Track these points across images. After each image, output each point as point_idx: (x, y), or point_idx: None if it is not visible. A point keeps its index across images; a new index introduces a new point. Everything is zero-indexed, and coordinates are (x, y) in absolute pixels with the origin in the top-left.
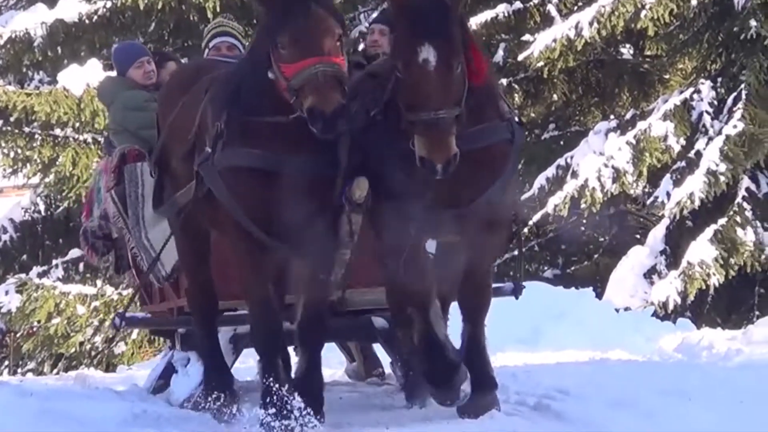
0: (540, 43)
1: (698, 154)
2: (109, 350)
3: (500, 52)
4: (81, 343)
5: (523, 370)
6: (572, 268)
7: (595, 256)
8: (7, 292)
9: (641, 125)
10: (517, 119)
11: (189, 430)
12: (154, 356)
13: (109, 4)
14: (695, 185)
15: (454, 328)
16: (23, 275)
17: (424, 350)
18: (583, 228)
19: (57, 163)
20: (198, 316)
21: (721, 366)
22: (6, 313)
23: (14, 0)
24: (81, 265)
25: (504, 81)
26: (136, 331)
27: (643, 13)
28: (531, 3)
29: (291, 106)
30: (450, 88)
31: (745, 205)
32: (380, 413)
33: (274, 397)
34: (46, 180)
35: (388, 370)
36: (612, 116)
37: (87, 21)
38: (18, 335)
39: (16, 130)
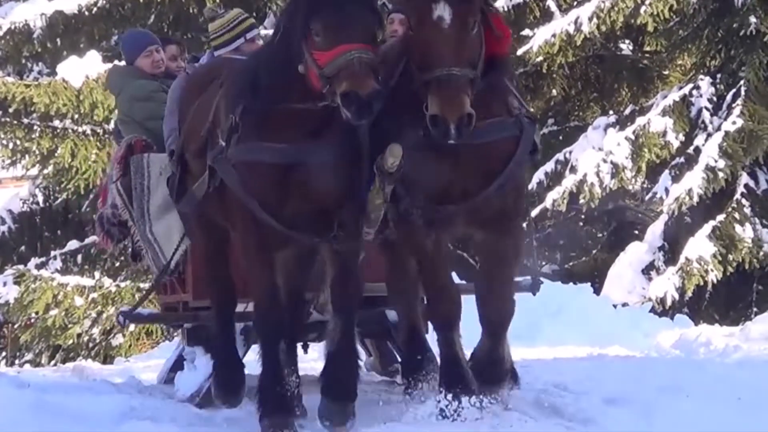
0: (539, 38)
1: (697, 150)
2: (106, 342)
3: None
4: (79, 335)
5: (521, 365)
6: (570, 263)
7: (593, 251)
8: (5, 284)
9: (640, 121)
10: (528, 115)
11: (186, 423)
12: (151, 348)
13: None
14: (694, 181)
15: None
16: (21, 266)
17: (444, 372)
18: (581, 223)
19: (56, 154)
20: (215, 311)
21: (719, 363)
22: (4, 305)
23: None
24: (79, 257)
25: None
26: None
27: (643, 8)
28: None
29: (315, 97)
30: (464, 46)
31: (743, 201)
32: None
33: (270, 392)
34: (45, 171)
35: None
36: (611, 112)
37: (86, 13)
38: (16, 326)
39: (15, 122)
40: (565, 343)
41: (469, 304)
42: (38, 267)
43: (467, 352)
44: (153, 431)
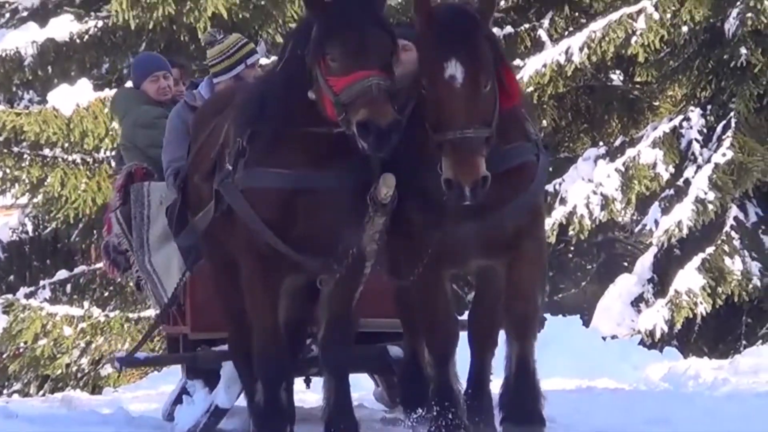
0: (530, 68)
1: (687, 182)
2: (95, 372)
3: None
4: (67, 365)
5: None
6: (559, 295)
7: (583, 283)
8: None
9: (630, 152)
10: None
11: None
12: (140, 379)
13: (100, 24)
14: (684, 213)
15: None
16: (10, 296)
17: (437, 404)
18: (570, 255)
19: (45, 183)
20: (233, 350)
21: (708, 396)
22: None
23: (5, 18)
24: (68, 286)
25: None
26: (123, 352)
27: (634, 39)
28: (522, 28)
29: (326, 123)
30: (478, 106)
31: (733, 234)
32: None
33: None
34: (35, 200)
35: None
36: (601, 143)
37: (78, 40)
38: (4, 356)
39: (5, 150)
40: (554, 375)
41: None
42: (27, 296)
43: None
44: None
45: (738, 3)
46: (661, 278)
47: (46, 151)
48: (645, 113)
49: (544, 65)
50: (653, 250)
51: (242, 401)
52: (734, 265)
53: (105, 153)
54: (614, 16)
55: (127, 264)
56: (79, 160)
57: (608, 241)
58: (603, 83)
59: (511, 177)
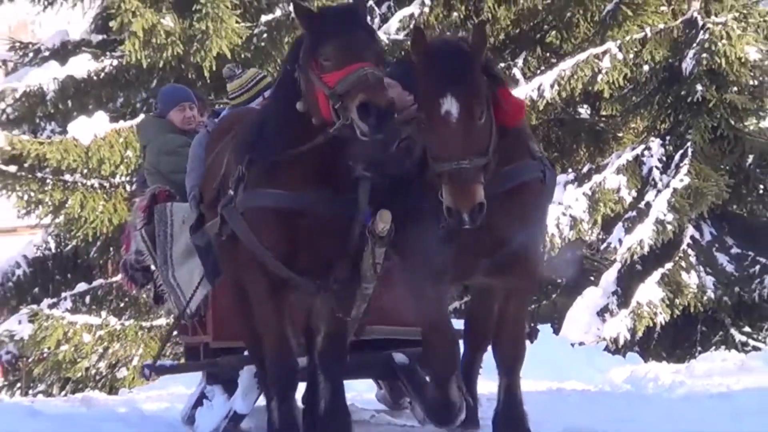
0: None
1: (648, 205)
2: (112, 375)
3: None
4: (87, 368)
5: (486, 398)
6: (532, 306)
7: (553, 295)
8: (20, 322)
9: (596, 178)
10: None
11: None
12: (152, 381)
13: (115, 62)
14: (645, 233)
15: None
16: (35, 306)
17: (436, 414)
18: (542, 270)
19: (66, 205)
20: (252, 355)
21: (666, 397)
22: (19, 340)
23: (29, 57)
24: (87, 298)
25: None
26: (136, 358)
27: (600, 76)
28: (498, 66)
29: (317, 132)
30: (474, 137)
31: (689, 251)
32: None
33: None
34: (57, 221)
35: None
36: (570, 170)
37: (95, 77)
38: (30, 360)
39: (30, 175)
40: (527, 377)
41: None
42: (50, 307)
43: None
44: None
45: (694, 45)
46: (624, 291)
47: (67, 177)
48: (610, 143)
49: None
50: (617, 265)
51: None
52: (690, 280)
53: (120, 178)
54: (582, 56)
55: (144, 280)
56: (96, 185)
57: (576, 258)
58: (572, 116)
59: (518, 194)
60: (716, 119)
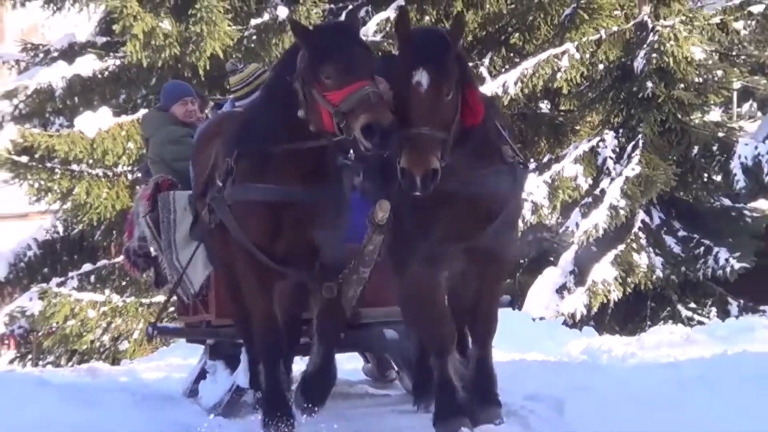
0: None
1: (602, 192)
2: (114, 347)
3: None
4: (92, 341)
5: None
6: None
7: (517, 274)
8: (31, 299)
9: (556, 167)
10: (521, 162)
11: (181, 413)
12: (152, 352)
13: (118, 62)
14: (599, 217)
15: None
16: (44, 285)
17: (438, 393)
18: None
19: (73, 192)
20: (245, 340)
21: (619, 366)
22: (30, 316)
23: (40, 57)
24: (92, 277)
25: None
26: (137, 332)
27: (559, 74)
28: None
29: (312, 137)
30: (438, 111)
31: (640, 234)
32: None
33: (274, 402)
34: (64, 207)
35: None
36: (532, 160)
37: (99, 76)
38: (40, 334)
39: (40, 165)
40: (492, 349)
41: None
42: (58, 285)
43: None
44: (152, 419)
45: (645, 45)
46: (581, 270)
47: (74, 167)
48: (568, 135)
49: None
50: (574, 247)
51: None
52: (641, 260)
53: (122, 168)
54: (543, 55)
55: (145, 265)
56: (101, 174)
57: (537, 240)
58: (533, 111)
59: (489, 197)
60: (665, 113)
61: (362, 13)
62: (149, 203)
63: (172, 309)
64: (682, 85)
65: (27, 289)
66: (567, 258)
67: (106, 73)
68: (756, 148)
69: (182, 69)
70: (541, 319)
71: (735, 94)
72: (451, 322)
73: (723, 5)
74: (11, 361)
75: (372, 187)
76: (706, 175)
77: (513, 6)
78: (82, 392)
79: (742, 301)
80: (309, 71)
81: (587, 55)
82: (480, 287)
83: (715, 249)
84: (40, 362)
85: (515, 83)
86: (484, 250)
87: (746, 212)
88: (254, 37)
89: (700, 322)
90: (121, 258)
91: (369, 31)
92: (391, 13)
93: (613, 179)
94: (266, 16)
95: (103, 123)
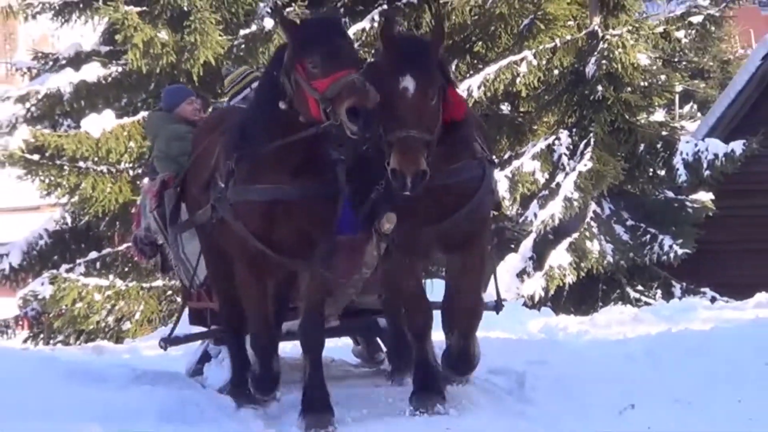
0: None
1: (558, 186)
2: (118, 327)
3: None
4: (97, 322)
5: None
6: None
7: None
8: (42, 284)
9: (516, 163)
10: (489, 159)
11: (177, 387)
12: (151, 332)
13: (120, 69)
14: (555, 208)
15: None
16: (54, 271)
17: (417, 370)
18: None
19: (80, 187)
20: (227, 327)
21: (574, 342)
22: (42, 299)
23: (49, 65)
24: (98, 264)
25: None
26: (138, 313)
27: (519, 79)
28: None
29: (301, 128)
30: (424, 113)
31: (592, 223)
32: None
33: (264, 380)
34: (72, 200)
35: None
36: (494, 157)
37: (103, 81)
38: (50, 316)
39: (50, 163)
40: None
41: None
42: (67, 271)
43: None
44: (152, 392)
45: (596, 53)
46: (539, 256)
47: (80, 164)
48: (527, 134)
49: None
50: (533, 235)
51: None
52: (593, 247)
53: (124, 165)
54: (504, 62)
55: (151, 252)
56: (105, 170)
57: (500, 229)
58: (495, 112)
59: (459, 189)
60: (614, 114)
61: None
62: (156, 199)
63: (171, 292)
64: (629, 89)
65: (39, 275)
66: (526, 245)
67: (110, 78)
68: (696, 145)
69: (178, 75)
70: (504, 300)
71: (677, 96)
72: (429, 308)
73: (666, 16)
74: (25, 340)
75: (355, 191)
76: (651, 170)
77: (476, 17)
78: (88, 368)
79: (684, 284)
80: (296, 62)
81: (544, 62)
82: (460, 278)
83: (660, 237)
84: (51, 341)
85: (479, 87)
86: (459, 239)
87: (687, 203)
88: (243, 46)
89: (647, 303)
90: (127, 245)
91: None
92: (366, 23)
93: (567, 174)
94: (254, 27)
95: (107, 124)
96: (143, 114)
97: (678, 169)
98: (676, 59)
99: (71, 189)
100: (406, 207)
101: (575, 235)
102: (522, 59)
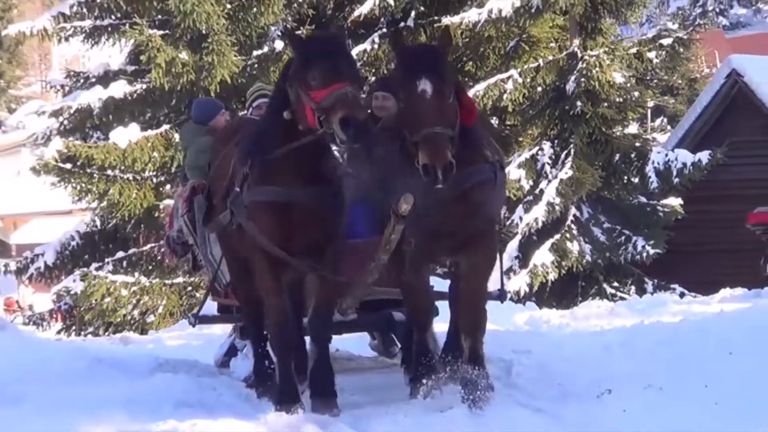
0: None
1: (541, 192)
2: (143, 320)
3: None
4: (124, 315)
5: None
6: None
7: None
8: (74, 281)
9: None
10: (500, 163)
11: (196, 374)
12: (173, 324)
13: (144, 86)
14: (539, 212)
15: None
16: (85, 269)
17: (417, 358)
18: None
19: (108, 193)
20: (248, 323)
21: (556, 334)
22: (74, 295)
23: (80, 83)
24: (125, 263)
25: None
26: (161, 307)
27: (505, 95)
28: None
29: (302, 135)
30: (444, 111)
31: (572, 226)
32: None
33: (286, 392)
34: (101, 205)
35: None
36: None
37: (129, 97)
38: (81, 309)
39: (81, 171)
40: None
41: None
42: (97, 269)
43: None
44: (174, 379)
45: (575, 71)
46: (524, 256)
47: (109, 172)
48: (513, 145)
49: None
50: (518, 237)
51: None
52: (573, 247)
53: (149, 173)
54: (492, 80)
55: (183, 252)
56: (131, 178)
57: None
58: None
59: (473, 192)
60: (592, 127)
61: None
62: (186, 204)
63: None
64: (605, 104)
65: (71, 273)
66: (513, 245)
67: (135, 95)
68: (666, 155)
69: (197, 92)
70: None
71: (649, 111)
72: (431, 305)
73: (639, 38)
74: (58, 332)
75: (354, 169)
76: (626, 177)
77: (467, 40)
78: (115, 356)
79: (656, 281)
80: (298, 72)
81: (528, 80)
82: (469, 279)
83: (634, 238)
84: (82, 332)
85: None
86: (470, 243)
87: (659, 208)
88: (256, 66)
89: (622, 298)
90: (151, 245)
91: None
92: (367, 45)
93: (550, 181)
94: (266, 48)
95: (133, 136)
96: (166, 127)
97: (650, 177)
98: (648, 77)
99: (100, 195)
100: (422, 214)
101: (557, 236)
102: (508, 77)
